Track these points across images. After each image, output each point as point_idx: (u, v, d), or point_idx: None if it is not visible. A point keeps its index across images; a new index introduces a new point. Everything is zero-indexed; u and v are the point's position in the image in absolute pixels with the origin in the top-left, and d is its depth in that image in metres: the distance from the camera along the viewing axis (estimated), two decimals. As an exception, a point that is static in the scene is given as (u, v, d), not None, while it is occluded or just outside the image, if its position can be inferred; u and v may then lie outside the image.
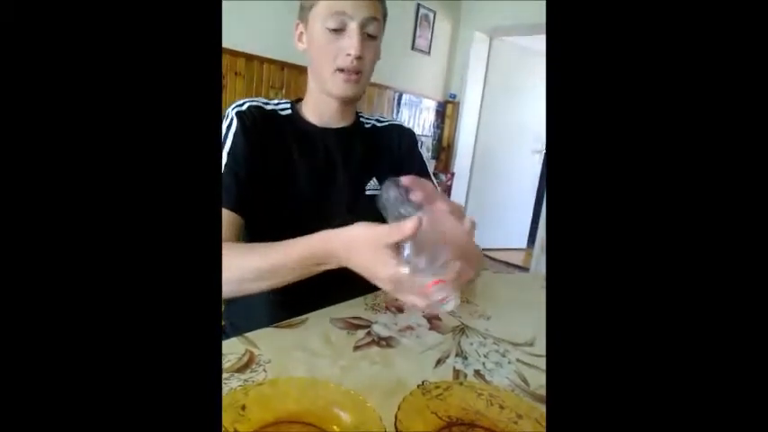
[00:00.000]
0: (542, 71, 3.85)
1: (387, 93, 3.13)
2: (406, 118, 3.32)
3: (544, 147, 3.99)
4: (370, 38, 0.73)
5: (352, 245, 0.54)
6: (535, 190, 3.99)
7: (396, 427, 0.38)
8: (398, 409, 0.41)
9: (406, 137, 0.88)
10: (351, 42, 0.71)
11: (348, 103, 0.79)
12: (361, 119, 0.86)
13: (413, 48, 3.25)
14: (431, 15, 3.29)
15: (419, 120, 3.46)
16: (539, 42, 3.67)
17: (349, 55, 0.71)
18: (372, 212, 0.81)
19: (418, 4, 3.16)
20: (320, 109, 0.80)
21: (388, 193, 0.54)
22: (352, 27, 0.71)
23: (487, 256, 3.48)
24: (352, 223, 0.77)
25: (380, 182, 0.81)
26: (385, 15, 0.76)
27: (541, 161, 3.97)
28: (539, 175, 4.01)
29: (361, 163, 0.81)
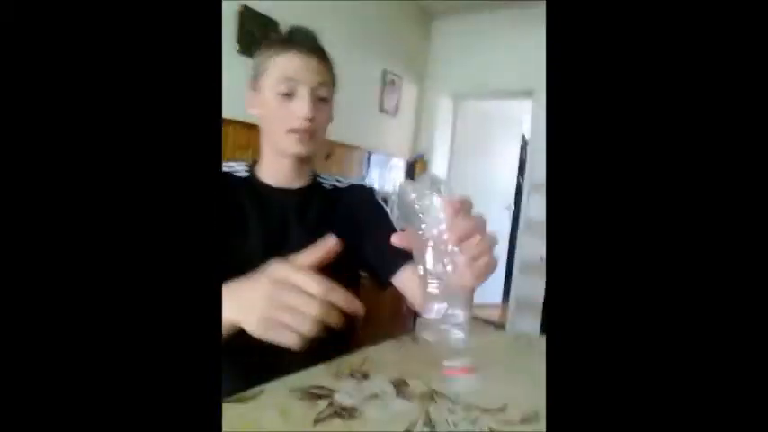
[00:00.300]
0: (507, 135, 4.06)
1: (356, 153, 3.21)
2: (375, 176, 3.38)
3: (513, 205, 4.11)
4: (322, 101, 0.75)
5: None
6: (506, 246, 4.05)
7: None
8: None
9: (365, 194, 0.88)
10: (302, 105, 0.73)
11: (302, 161, 0.79)
12: (319, 179, 0.86)
13: (380, 110, 3.38)
14: (397, 80, 3.47)
15: (389, 178, 3.53)
16: (504, 107, 3.90)
17: (300, 118, 0.72)
18: (332, 274, 0.79)
19: (384, 70, 3.33)
20: (275, 169, 0.80)
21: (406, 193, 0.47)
22: (303, 92, 0.73)
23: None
24: None
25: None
26: (334, 79, 0.79)
27: (510, 217, 4.07)
28: (509, 232, 4.10)
29: (318, 222, 0.80)
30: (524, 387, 0.67)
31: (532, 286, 3.06)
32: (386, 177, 3.50)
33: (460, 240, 0.45)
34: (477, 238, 0.46)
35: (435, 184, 0.46)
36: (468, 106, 3.82)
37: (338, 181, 0.89)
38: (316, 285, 0.47)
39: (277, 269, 0.49)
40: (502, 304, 3.90)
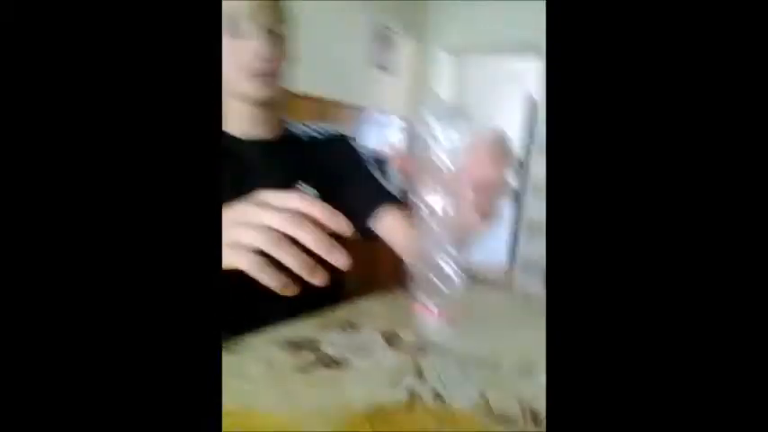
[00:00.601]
0: (512, 93, 3.93)
1: (350, 111, 3.11)
2: (371, 136, 3.29)
3: (519, 165, 4.04)
4: (276, 38, 0.69)
5: None
6: (514, 205, 4.00)
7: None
8: (336, 440, 0.35)
9: (347, 147, 0.83)
10: (257, 45, 0.67)
11: (266, 107, 0.74)
12: (292, 129, 0.80)
13: (376, 66, 3.25)
14: (394, 34, 3.32)
15: (385, 138, 3.45)
16: (509, 63, 3.75)
17: (256, 58, 0.67)
18: None
19: (380, 23, 3.18)
20: (238, 118, 0.74)
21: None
22: (257, 30, 0.67)
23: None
24: None
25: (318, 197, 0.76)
26: (286, 14, 0.73)
27: (517, 178, 4.02)
28: (514, 194, 4.04)
29: (288, 177, 0.74)
30: (521, 343, 0.65)
31: (539, 247, 3.04)
32: (382, 137, 3.42)
33: (478, 185, 0.40)
34: (498, 181, 0.41)
35: (460, 115, 0.41)
36: (470, 62, 3.67)
37: (318, 132, 0.83)
38: (279, 198, 0.41)
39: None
40: (508, 266, 3.90)
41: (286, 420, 0.37)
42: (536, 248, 3.11)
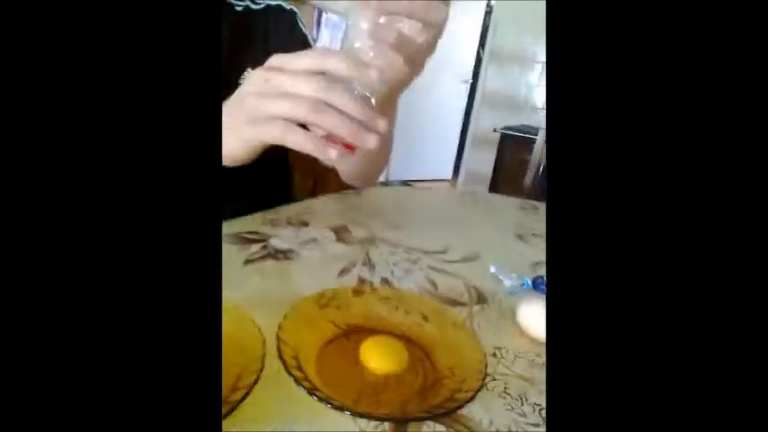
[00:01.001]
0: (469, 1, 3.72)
1: (304, 10, 2.86)
2: (327, 39, 3.08)
3: (470, 77, 3.95)
4: None
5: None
6: (461, 120, 4.00)
7: (278, 337, 0.32)
8: (284, 317, 0.35)
9: (285, 17, 0.74)
10: None
11: None
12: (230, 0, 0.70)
13: (333, -41, 2.95)
14: None
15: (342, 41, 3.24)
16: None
17: None
18: None
19: None
20: None
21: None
22: None
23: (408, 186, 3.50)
24: None
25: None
26: None
27: (467, 92, 3.96)
28: (464, 106, 4.01)
29: (227, 56, 0.67)
30: (467, 234, 0.67)
31: (484, 161, 3.10)
32: (338, 40, 3.20)
33: (387, 12, 0.36)
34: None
35: None
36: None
37: (253, 1, 0.73)
38: (301, 60, 0.36)
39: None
40: (452, 179, 3.99)
41: (231, 305, 0.36)
42: (481, 160, 3.16)
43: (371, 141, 0.37)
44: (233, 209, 0.60)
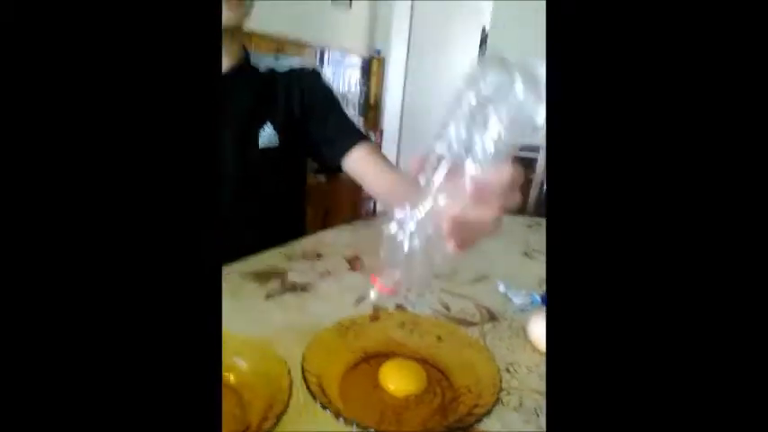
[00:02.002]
0: (467, 27, 3.84)
1: (308, 50, 2.97)
2: (330, 76, 3.18)
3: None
4: None
5: None
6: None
7: (302, 367, 0.35)
8: (306, 348, 0.37)
9: (310, 79, 0.79)
10: None
11: (227, 36, 0.68)
12: (252, 61, 0.75)
13: (333, 1, 3.09)
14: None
15: (344, 77, 3.34)
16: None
17: None
18: (267, 170, 0.72)
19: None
20: None
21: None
22: None
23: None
24: (243, 184, 0.69)
25: (277, 131, 0.72)
26: None
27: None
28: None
29: (249, 112, 0.71)
30: (474, 253, 0.69)
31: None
32: (341, 76, 3.31)
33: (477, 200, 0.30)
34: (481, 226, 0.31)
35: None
36: (424, -6, 3.54)
37: (276, 62, 0.78)
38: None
39: None
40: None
41: (257, 339, 0.39)
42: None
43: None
44: (250, 243, 0.63)
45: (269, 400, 0.33)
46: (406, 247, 0.32)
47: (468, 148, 0.28)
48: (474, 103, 0.27)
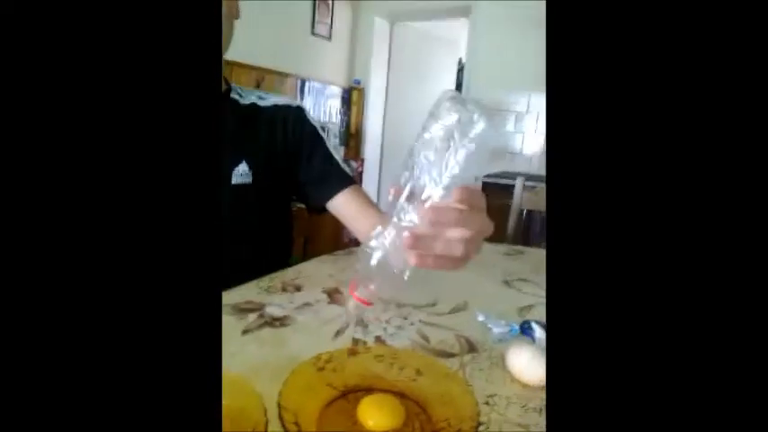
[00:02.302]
0: (444, 58, 3.97)
1: (289, 80, 3.02)
2: (310, 105, 3.23)
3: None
4: None
5: None
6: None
7: (279, 404, 0.34)
8: (283, 384, 0.37)
9: (294, 114, 0.77)
10: None
11: None
12: (233, 94, 0.75)
13: (312, 33, 3.16)
14: (329, 1, 3.22)
15: (325, 107, 3.39)
16: (438, 28, 3.77)
17: None
18: (239, 206, 0.70)
19: (314, -11, 3.07)
20: None
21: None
22: None
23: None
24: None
25: (251, 169, 0.70)
26: None
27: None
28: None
29: (226, 145, 0.70)
30: (454, 283, 0.70)
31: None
32: (322, 106, 3.36)
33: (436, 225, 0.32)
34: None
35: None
36: (404, 27, 3.66)
37: (259, 98, 0.77)
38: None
39: None
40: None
41: (233, 374, 0.38)
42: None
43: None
44: (228, 276, 0.63)
45: (244, 440, 0.32)
46: (374, 260, 0.35)
47: (429, 173, 0.31)
48: (437, 133, 0.30)
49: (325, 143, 0.78)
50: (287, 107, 0.78)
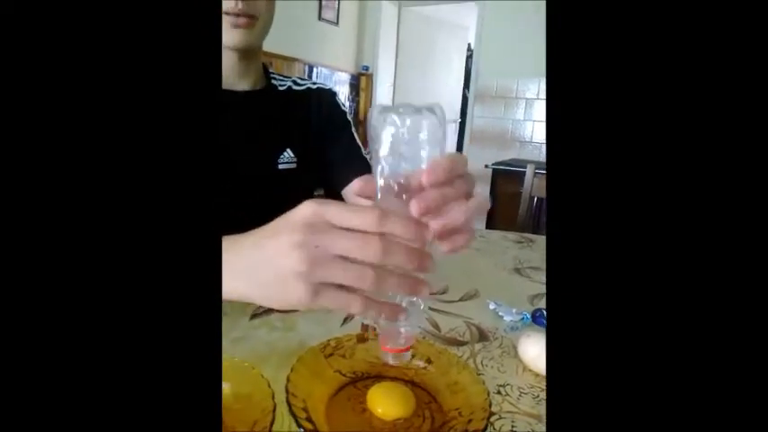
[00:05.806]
0: (452, 43, 3.91)
1: (296, 65, 2.99)
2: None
3: (458, 116, 4.08)
4: None
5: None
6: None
7: (287, 390, 0.33)
8: (291, 370, 0.36)
9: (326, 98, 0.79)
10: None
11: (244, 57, 0.67)
12: (273, 80, 0.75)
13: (320, 18, 3.12)
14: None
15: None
16: (447, 12, 3.71)
17: (237, 5, 0.60)
18: (286, 190, 0.71)
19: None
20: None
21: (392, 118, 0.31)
22: None
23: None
24: (262, 203, 0.68)
25: (296, 154, 0.72)
26: None
27: (456, 131, 4.07)
28: (455, 144, 4.11)
29: (271, 132, 0.71)
30: (465, 271, 0.69)
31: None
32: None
33: (427, 212, 0.31)
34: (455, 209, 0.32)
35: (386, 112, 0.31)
36: (411, 12, 3.60)
37: (294, 82, 0.78)
38: (363, 216, 0.30)
39: (298, 210, 0.31)
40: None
41: (240, 360, 0.37)
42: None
43: (425, 293, 0.35)
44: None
45: (251, 425, 0.32)
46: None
47: (396, 167, 0.32)
48: (395, 135, 0.31)
49: (351, 128, 0.79)
50: (320, 89, 0.80)
